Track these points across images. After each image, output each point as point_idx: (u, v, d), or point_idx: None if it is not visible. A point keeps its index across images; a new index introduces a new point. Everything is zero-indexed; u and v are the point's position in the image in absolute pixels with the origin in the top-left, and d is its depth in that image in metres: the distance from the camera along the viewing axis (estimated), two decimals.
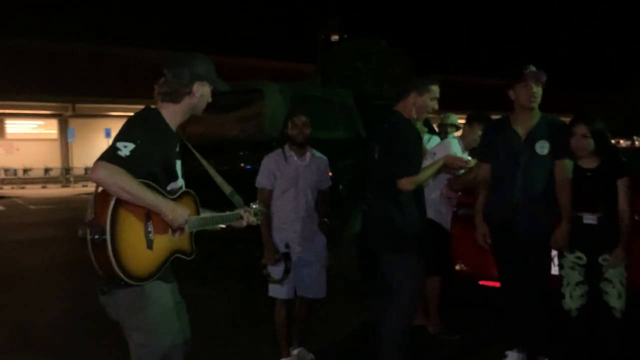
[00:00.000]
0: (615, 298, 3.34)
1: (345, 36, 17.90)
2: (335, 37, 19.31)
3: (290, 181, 3.78)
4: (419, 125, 4.62)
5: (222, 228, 2.91)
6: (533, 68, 3.55)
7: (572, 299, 3.46)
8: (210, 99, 2.54)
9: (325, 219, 3.95)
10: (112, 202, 2.12)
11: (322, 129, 5.86)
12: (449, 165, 3.49)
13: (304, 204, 3.80)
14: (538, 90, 3.54)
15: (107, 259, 2.10)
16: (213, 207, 2.65)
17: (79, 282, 6.01)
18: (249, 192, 3.54)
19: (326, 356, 3.96)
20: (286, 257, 3.70)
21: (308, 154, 3.88)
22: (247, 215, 2.75)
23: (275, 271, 3.71)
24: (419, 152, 3.47)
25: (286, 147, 3.84)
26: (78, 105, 24.32)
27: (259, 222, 2.87)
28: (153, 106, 2.47)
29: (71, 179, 23.91)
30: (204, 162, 2.76)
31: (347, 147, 5.92)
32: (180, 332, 2.46)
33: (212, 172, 2.79)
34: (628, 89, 25.34)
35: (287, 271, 3.69)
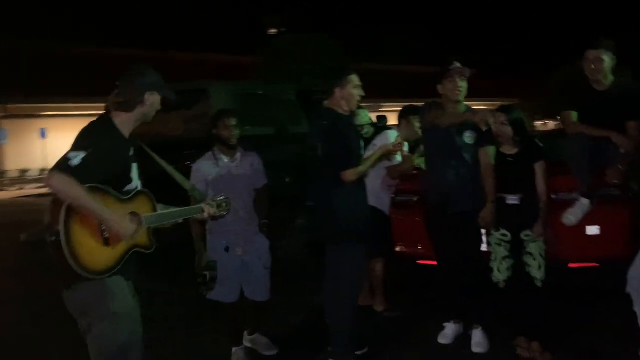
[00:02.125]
0: (536, 269, 3.73)
1: (284, 30, 18.08)
2: (274, 31, 19.47)
3: (224, 184, 3.76)
4: (366, 123, 4.92)
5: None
6: (458, 64, 3.90)
7: (500, 272, 3.84)
8: (159, 107, 2.78)
9: (265, 220, 4.00)
10: (65, 207, 2.34)
11: (266, 125, 6.09)
12: (387, 154, 3.80)
13: (242, 204, 3.81)
14: (463, 85, 3.91)
15: (64, 258, 2.31)
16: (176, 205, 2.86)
17: (24, 287, 6.00)
18: None
19: (281, 339, 4.17)
20: (210, 266, 3.71)
21: (238, 154, 3.91)
22: (208, 208, 2.95)
23: (206, 280, 3.72)
24: (358, 144, 3.76)
25: (215, 149, 3.88)
26: (10, 106, 23.38)
27: (224, 213, 3.07)
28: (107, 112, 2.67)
29: (5, 182, 23.03)
30: (162, 162, 2.97)
31: (291, 143, 6.15)
32: (137, 325, 2.66)
33: (170, 170, 3.01)
34: (556, 72, 26.55)
35: (212, 279, 3.69)
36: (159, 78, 2.77)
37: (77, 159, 2.38)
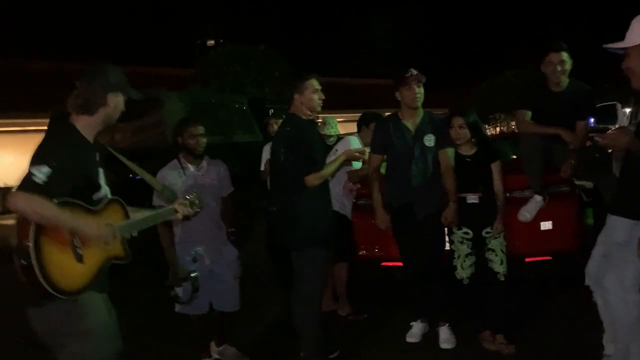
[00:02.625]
0: (498, 264, 3.89)
1: (222, 41, 17.93)
2: (211, 42, 19.27)
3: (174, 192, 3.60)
4: (335, 133, 4.99)
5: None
6: (414, 71, 4.01)
7: (463, 269, 3.98)
8: (123, 108, 2.60)
9: (232, 229, 3.96)
10: (33, 226, 2.18)
11: (220, 134, 6.04)
12: (349, 159, 3.86)
13: (209, 214, 3.72)
14: (420, 91, 4.02)
15: (37, 280, 2.16)
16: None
17: None
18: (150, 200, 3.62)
19: (250, 348, 4.13)
20: (193, 276, 3.62)
21: (204, 162, 3.86)
22: (182, 208, 2.87)
23: (183, 291, 3.64)
24: (320, 149, 3.77)
25: (181, 157, 3.81)
26: None
27: (198, 210, 3.00)
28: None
29: None
30: (130, 164, 2.83)
31: (245, 150, 6.14)
32: (116, 339, 2.55)
33: (140, 171, 2.88)
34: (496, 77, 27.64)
35: (195, 290, 3.61)
36: (122, 77, 2.60)
37: (42, 174, 2.22)
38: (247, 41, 16.40)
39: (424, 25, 36.87)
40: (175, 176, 3.77)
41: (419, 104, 4.04)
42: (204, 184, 3.79)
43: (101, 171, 2.59)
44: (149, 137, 5.37)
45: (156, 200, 3.64)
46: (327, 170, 3.66)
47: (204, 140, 3.81)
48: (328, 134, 5.21)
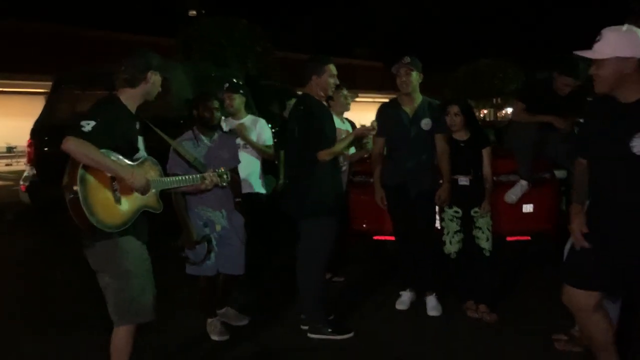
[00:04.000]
0: (484, 241, 4.25)
1: (204, 12, 17.79)
2: (193, 13, 19.09)
3: (205, 163, 3.88)
4: None
5: None
6: (407, 59, 4.28)
7: (452, 245, 4.32)
8: (160, 88, 3.07)
9: (239, 199, 4.17)
10: (80, 167, 2.62)
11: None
12: (359, 137, 4.13)
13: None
14: (408, 78, 4.26)
15: (81, 211, 2.58)
16: None
17: None
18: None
19: (251, 311, 4.40)
20: (207, 239, 3.83)
21: (217, 135, 4.07)
22: (213, 178, 3.33)
23: (196, 254, 3.84)
24: (332, 128, 4.06)
25: (195, 129, 4.02)
26: None
27: (224, 184, 3.37)
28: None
29: None
30: (165, 136, 3.22)
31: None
32: (151, 281, 2.96)
33: (173, 144, 3.23)
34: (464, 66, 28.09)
35: (209, 252, 3.83)
36: (160, 60, 3.05)
37: (89, 126, 2.64)
38: (228, 13, 16.32)
39: (400, 10, 36.91)
40: (189, 147, 3.95)
41: (409, 90, 4.28)
42: (216, 155, 4.00)
43: (141, 139, 2.99)
44: (155, 106, 5.45)
45: (170, 169, 3.86)
46: (338, 147, 3.95)
47: (218, 114, 4.04)
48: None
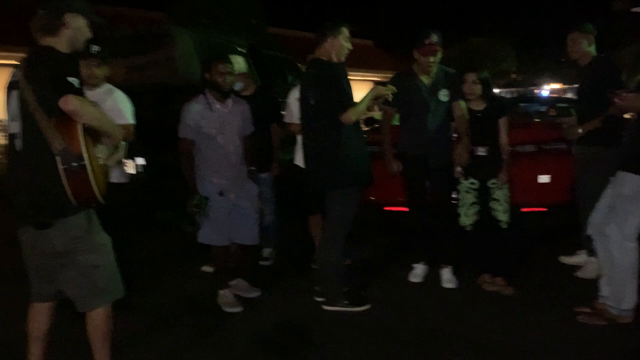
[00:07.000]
0: (502, 213, 4.16)
1: None
2: None
3: (217, 129, 3.81)
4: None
5: None
6: (435, 39, 4.16)
7: (467, 217, 4.24)
8: (88, 34, 2.59)
9: (253, 167, 4.10)
10: (80, 129, 2.31)
11: None
12: (377, 96, 3.96)
13: (232, 150, 3.87)
14: (435, 59, 4.18)
15: (86, 183, 2.30)
16: None
17: None
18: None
19: (263, 283, 4.32)
20: (204, 201, 3.75)
21: (229, 100, 3.94)
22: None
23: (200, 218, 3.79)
24: (350, 87, 3.85)
25: (207, 93, 3.87)
26: None
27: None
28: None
29: None
30: None
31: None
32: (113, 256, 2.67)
33: None
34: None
35: (201, 213, 3.76)
36: (82, 2, 2.57)
37: (77, 83, 2.32)
38: None
39: None
40: (201, 110, 3.82)
41: (434, 70, 4.23)
42: (230, 121, 3.89)
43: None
44: (159, 73, 5.31)
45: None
46: (361, 105, 3.75)
47: (231, 78, 3.89)
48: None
